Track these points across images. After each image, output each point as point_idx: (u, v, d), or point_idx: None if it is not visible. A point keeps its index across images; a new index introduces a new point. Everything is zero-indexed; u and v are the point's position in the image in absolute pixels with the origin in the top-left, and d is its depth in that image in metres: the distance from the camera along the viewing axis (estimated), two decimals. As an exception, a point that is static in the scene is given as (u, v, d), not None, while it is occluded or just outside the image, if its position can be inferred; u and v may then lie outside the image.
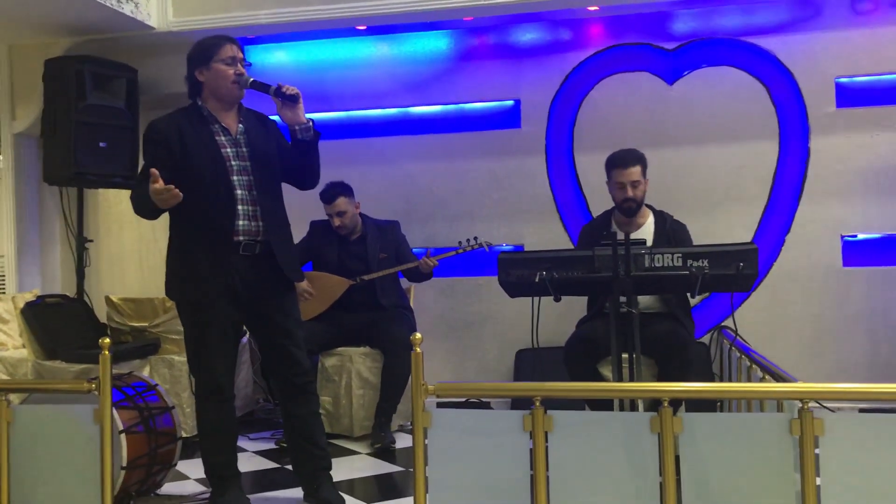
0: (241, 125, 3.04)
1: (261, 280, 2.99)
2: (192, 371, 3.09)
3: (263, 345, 3.14)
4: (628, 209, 3.74)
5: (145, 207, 2.93)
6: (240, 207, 2.95)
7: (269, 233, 2.99)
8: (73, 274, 4.95)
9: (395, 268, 4.34)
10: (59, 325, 4.13)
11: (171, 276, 3.07)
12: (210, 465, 3.06)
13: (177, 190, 2.78)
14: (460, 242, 4.38)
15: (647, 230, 3.76)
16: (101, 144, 4.67)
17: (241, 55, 3.01)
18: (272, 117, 3.19)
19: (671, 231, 3.71)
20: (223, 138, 2.99)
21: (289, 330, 3.07)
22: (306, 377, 3.11)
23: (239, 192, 2.96)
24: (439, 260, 4.33)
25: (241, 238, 2.95)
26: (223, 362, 3.00)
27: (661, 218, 3.79)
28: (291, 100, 2.94)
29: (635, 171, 3.70)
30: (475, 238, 4.37)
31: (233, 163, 2.97)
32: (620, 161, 3.74)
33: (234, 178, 2.96)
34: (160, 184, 2.76)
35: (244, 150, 3.01)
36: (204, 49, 3.00)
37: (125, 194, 5.31)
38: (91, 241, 5.03)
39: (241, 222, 2.95)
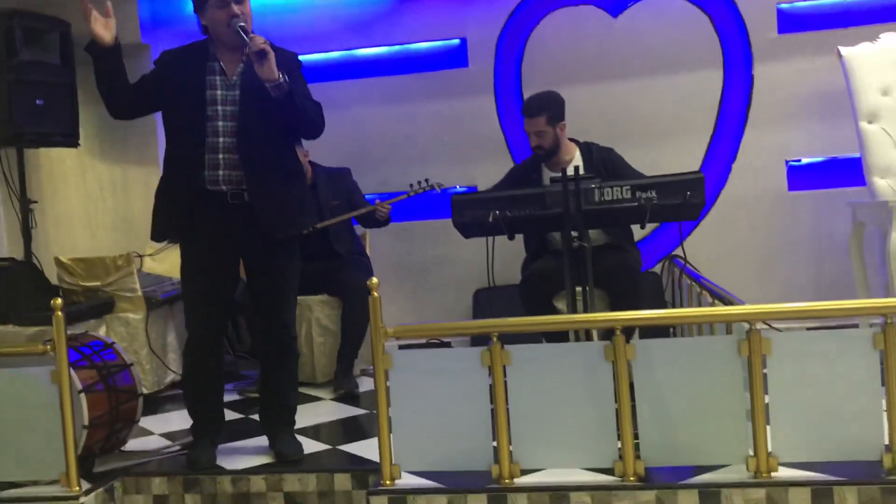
0: (241, 66, 2.91)
1: (252, 231, 2.91)
2: None
3: (252, 294, 3.11)
4: (538, 156, 3.79)
5: (99, 78, 2.91)
6: (221, 156, 2.86)
7: (250, 183, 2.88)
8: (20, 236, 4.84)
9: (346, 215, 4.32)
10: (9, 288, 4.05)
11: (155, 217, 3.01)
12: (187, 409, 3.11)
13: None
14: (411, 185, 4.36)
15: (575, 164, 3.79)
16: (38, 102, 4.52)
17: None
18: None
19: (599, 160, 3.75)
20: (217, 79, 2.89)
21: (279, 286, 3.02)
22: (290, 336, 3.09)
23: (221, 139, 2.86)
24: (392, 204, 4.32)
25: (224, 188, 2.87)
26: (205, 309, 2.97)
27: (588, 149, 3.83)
28: (258, 56, 2.75)
29: (538, 121, 3.72)
30: (426, 180, 4.35)
31: (219, 107, 2.88)
32: (525, 110, 3.80)
33: (220, 122, 2.87)
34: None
35: (235, 93, 2.89)
36: None
37: (67, 153, 5.18)
38: (35, 202, 4.89)
39: (221, 172, 2.86)
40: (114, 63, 2.88)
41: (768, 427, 2.44)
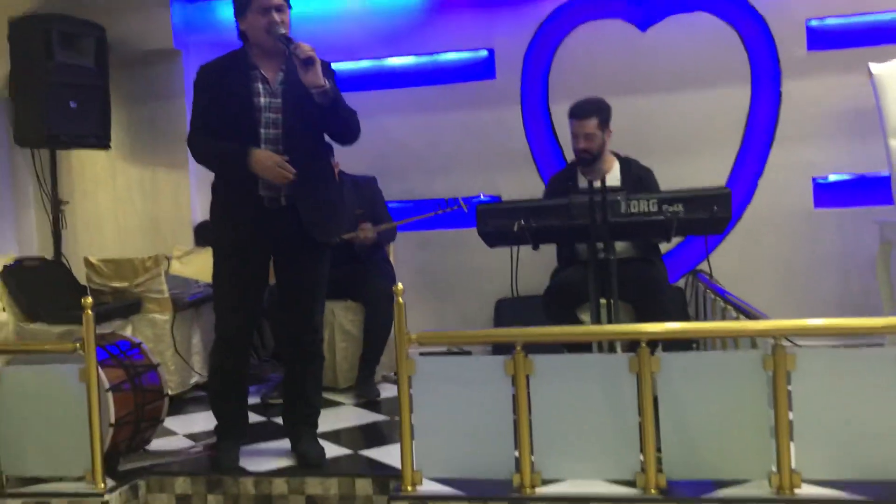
0: (282, 74, 2.96)
1: (287, 235, 2.96)
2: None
3: (282, 298, 3.13)
4: (582, 160, 3.79)
5: (210, 161, 2.99)
6: None
7: (292, 189, 2.92)
8: (50, 237, 4.92)
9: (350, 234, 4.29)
10: (40, 287, 4.12)
11: (211, 220, 3.09)
12: (212, 410, 3.14)
13: (290, 168, 2.83)
14: (439, 205, 4.37)
15: (613, 177, 3.79)
16: (72, 105, 4.61)
17: (276, 1, 2.89)
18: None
19: (637, 177, 3.75)
20: (260, 86, 2.93)
21: (309, 289, 3.05)
22: (316, 338, 3.12)
23: (264, 145, 2.89)
24: (419, 221, 4.35)
25: (262, 192, 2.91)
26: (235, 314, 3.01)
27: (627, 164, 3.83)
28: (304, 63, 2.78)
29: (590, 123, 3.72)
30: (454, 199, 4.33)
31: (264, 114, 2.91)
32: (577, 111, 3.79)
33: (262, 130, 2.90)
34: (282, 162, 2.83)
35: (278, 100, 2.93)
36: None
37: (99, 155, 5.26)
38: (66, 202, 4.98)
39: (261, 178, 2.90)
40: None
41: (792, 443, 2.43)
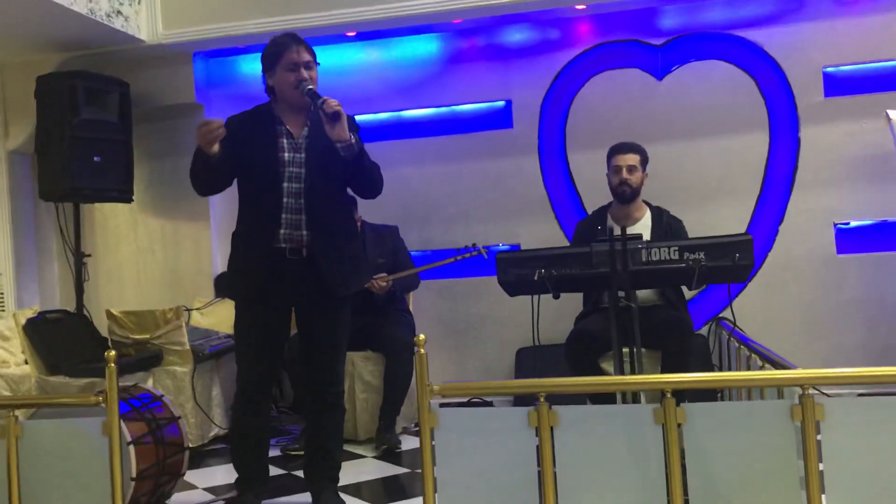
0: (306, 129, 3.01)
1: (308, 287, 2.97)
2: None
3: (304, 349, 3.13)
4: (622, 193, 3.81)
5: (196, 173, 2.94)
6: (284, 216, 2.92)
7: (315, 243, 2.94)
8: (72, 289, 4.96)
9: (388, 276, 4.30)
10: (61, 340, 4.14)
11: (228, 270, 3.11)
12: (233, 463, 3.12)
13: (219, 124, 2.78)
14: (458, 251, 4.38)
15: (644, 225, 3.80)
16: (96, 159, 4.68)
17: (305, 58, 2.95)
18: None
19: (668, 226, 3.76)
20: (285, 142, 2.97)
21: (331, 340, 3.06)
22: (338, 392, 3.12)
23: (286, 199, 2.93)
24: (437, 267, 4.36)
25: (283, 245, 2.93)
26: (257, 365, 3.02)
27: (658, 213, 3.84)
28: (331, 118, 2.83)
29: (633, 157, 3.83)
30: (473, 245, 4.34)
31: (288, 169, 2.94)
32: (620, 148, 3.90)
33: (285, 184, 2.93)
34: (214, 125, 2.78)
35: (301, 155, 2.97)
36: (270, 53, 2.99)
37: (121, 208, 5.34)
38: (89, 255, 5.03)
39: (282, 231, 2.92)
40: (217, 162, 2.90)
41: (823, 496, 2.37)
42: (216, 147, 2.84)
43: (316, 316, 3.04)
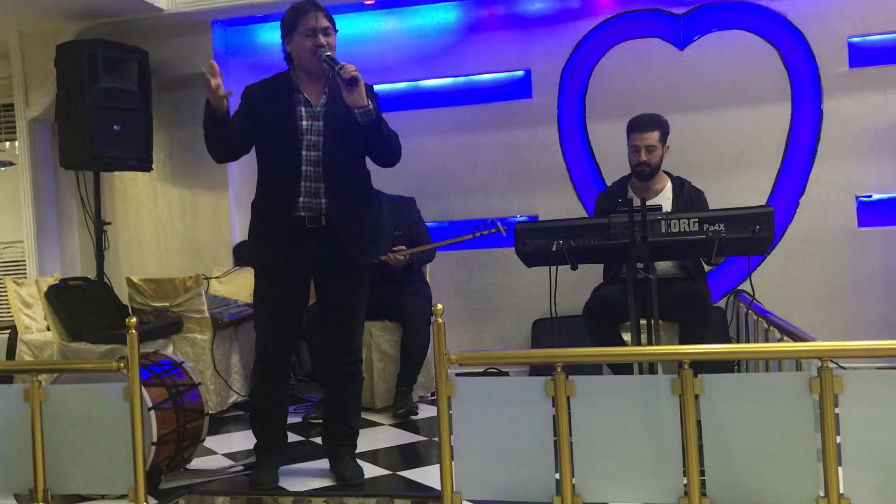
0: (324, 97, 3.00)
1: (327, 256, 2.98)
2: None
3: (322, 319, 3.15)
4: (640, 173, 3.77)
5: (207, 130, 2.93)
6: (302, 184, 2.93)
7: (333, 211, 2.95)
8: (92, 257, 5.01)
9: (408, 250, 4.30)
10: (83, 307, 4.19)
11: (249, 239, 3.12)
12: (252, 429, 3.15)
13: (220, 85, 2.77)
14: (477, 226, 4.34)
15: (664, 196, 3.77)
16: (116, 127, 4.70)
17: (323, 24, 2.92)
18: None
19: (688, 198, 3.73)
20: (303, 110, 2.96)
21: (349, 310, 3.07)
22: (355, 359, 3.14)
23: (304, 167, 2.93)
24: (456, 243, 4.35)
25: (302, 213, 2.94)
26: (275, 334, 3.04)
27: (680, 184, 3.81)
28: (348, 83, 2.81)
29: (652, 136, 3.74)
30: (492, 222, 4.29)
31: (306, 137, 2.94)
32: (639, 124, 3.79)
33: (304, 152, 2.93)
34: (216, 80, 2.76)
35: (320, 123, 2.96)
36: (288, 19, 2.97)
37: (141, 177, 5.37)
38: (109, 223, 5.08)
39: (301, 199, 2.93)
40: (225, 118, 2.89)
41: (840, 468, 2.37)
42: (224, 102, 2.83)
43: (334, 285, 3.05)
